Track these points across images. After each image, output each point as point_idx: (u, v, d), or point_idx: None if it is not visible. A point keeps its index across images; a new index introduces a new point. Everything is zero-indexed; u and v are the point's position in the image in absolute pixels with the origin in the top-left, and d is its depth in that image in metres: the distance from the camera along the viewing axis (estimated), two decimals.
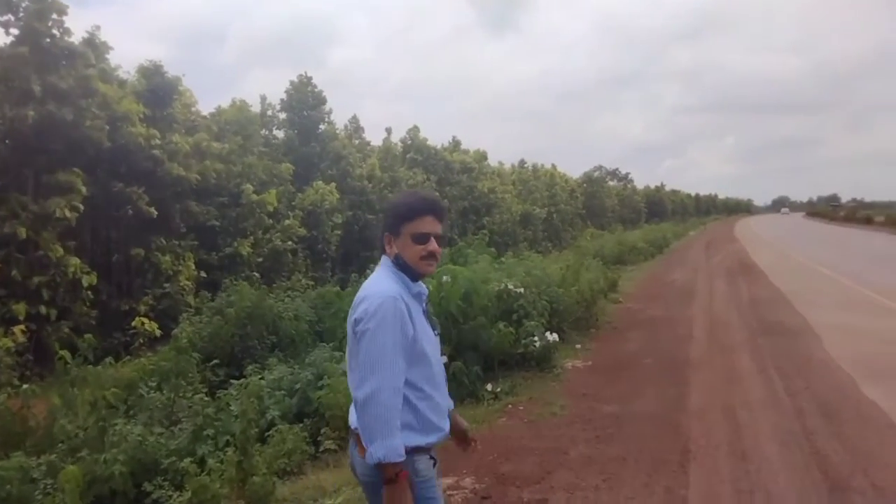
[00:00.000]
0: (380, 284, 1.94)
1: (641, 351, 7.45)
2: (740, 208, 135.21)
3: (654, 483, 3.66)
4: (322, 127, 19.30)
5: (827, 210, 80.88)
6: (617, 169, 59.36)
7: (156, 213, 12.31)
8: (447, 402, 2.05)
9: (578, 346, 7.82)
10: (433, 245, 1.96)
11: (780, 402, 5.15)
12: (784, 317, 8.94)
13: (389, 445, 1.76)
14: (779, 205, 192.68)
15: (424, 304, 2.04)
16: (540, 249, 24.58)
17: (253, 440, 3.96)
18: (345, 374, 6.09)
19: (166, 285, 12.60)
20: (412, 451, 1.86)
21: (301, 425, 5.39)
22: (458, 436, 2.21)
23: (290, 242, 15.65)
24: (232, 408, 5.17)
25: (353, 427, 1.99)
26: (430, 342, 1.98)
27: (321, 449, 5.14)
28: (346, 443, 5.32)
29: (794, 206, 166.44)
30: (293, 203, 16.41)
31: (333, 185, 17.41)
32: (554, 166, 36.62)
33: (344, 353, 7.12)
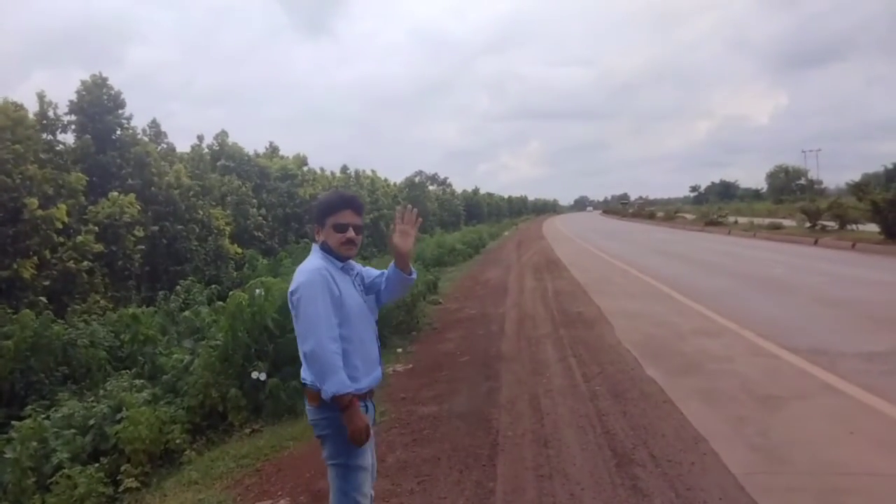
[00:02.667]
0: (308, 263, 2.46)
1: (458, 350, 7.76)
2: (548, 208, 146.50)
3: (465, 479, 3.83)
4: (119, 132, 17.60)
5: (619, 208, 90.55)
6: (436, 174, 61.12)
7: None
8: (375, 355, 2.54)
9: (400, 349, 7.95)
10: (350, 233, 2.46)
11: (578, 387, 5.65)
12: (582, 307, 9.84)
13: (337, 381, 2.26)
14: (580, 204, 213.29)
15: (353, 277, 2.53)
16: (366, 255, 24.61)
17: (30, 491, 3.51)
18: (147, 402, 5.64)
19: None
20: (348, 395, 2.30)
21: (97, 465, 4.88)
22: None
23: (84, 262, 14.06)
24: (8, 455, 4.54)
25: (303, 382, 2.46)
26: (357, 305, 2.46)
27: (121, 489, 4.70)
28: (149, 478, 4.92)
29: (594, 205, 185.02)
30: (85, 217, 14.77)
31: (133, 195, 15.96)
32: (375, 172, 36.92)
33: (146, 378, 6.61)
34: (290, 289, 2.41)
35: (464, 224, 48.51)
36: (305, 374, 2.44)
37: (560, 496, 3.53)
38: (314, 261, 2.44)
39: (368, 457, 2.48)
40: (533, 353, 7.17)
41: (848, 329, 7.26)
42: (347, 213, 2.47)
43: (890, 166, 56.17)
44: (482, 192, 68.76)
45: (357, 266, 2.60)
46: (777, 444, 4.09)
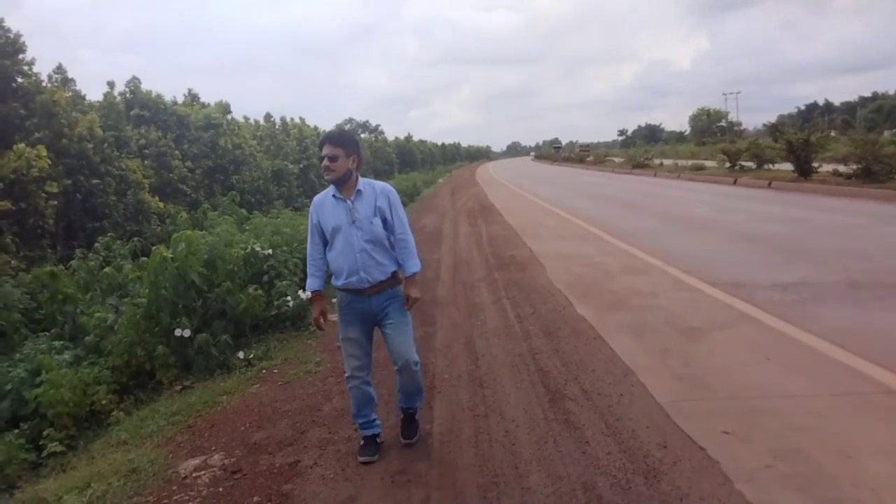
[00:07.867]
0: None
1: None
2: (481, 154, 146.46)
3: None
4: (20, 80, 16.23)
5: (551, 153, 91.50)
6: (367, 121, 59.93)
7: None
8: (353, 264, 3.25)
9: (335, 299, 7.85)
10: (325, 162, 3.23)
11: (512, 328, 5.75)
12: (515, 250, 9.97)
13: (308, 282, 3.46)
14: (513, 150, 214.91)
15: (351, 203, 3.28)
16: (297, 206, 23.99)
17: None
18: (69, 364, 5.39)
19: None
20: (337, 288, 3.37)
21: (17, 431, 4.67)
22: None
23: None
24: None
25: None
26: (335, 227, 3.26)
27: (45, 454, 4.51)
28: (75, 441, 4.74)
29: (527, 151, 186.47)
30: None
31: (43, 147, 14.88)
32: (304, 120, 35.74)
33: (67, 340, 6.31)
34: None
35: (397, 172, 47.93)
36: None
37: (495, 433, 3.61)
38: (321, 193, 3.39)
39: (347, 332, 3.41)
40: (468, 296, 7.23)
41: (764, 262, 7.65)
42: (325, 147, 3.24)
43: (803, 107, 58.81)
44: (415, 139, 67.89)
45: (371, 197, 3.33)
46: (699, 372, 4.30)
